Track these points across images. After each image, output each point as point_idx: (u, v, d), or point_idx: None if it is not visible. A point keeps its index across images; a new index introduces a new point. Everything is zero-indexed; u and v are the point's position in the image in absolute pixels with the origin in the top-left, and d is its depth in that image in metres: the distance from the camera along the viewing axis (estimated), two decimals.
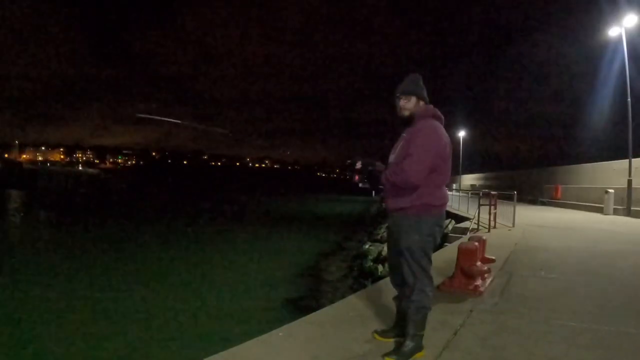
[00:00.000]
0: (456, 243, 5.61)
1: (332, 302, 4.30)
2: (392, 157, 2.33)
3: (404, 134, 2.31)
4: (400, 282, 2.33)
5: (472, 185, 34.81)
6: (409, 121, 2.32)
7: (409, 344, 2.19)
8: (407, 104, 2.32)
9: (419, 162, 2.10)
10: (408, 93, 2.32)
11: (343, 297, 4.18)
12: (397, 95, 2.35)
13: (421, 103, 2.32)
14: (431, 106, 2.33)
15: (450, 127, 36.45)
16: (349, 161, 2.47)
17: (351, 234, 19.86)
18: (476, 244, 3.80)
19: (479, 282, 3.62)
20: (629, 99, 12.26)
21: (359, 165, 2.40)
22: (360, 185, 2.42)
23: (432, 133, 2.18)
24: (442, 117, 2.32)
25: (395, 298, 2.46)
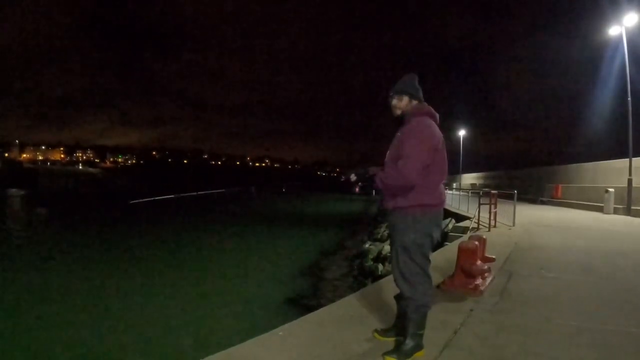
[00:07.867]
0: (456, 242, 5.61)
1: (332, 301, 4.29)
2: (387, 156, 2.33)
3: (398, 133, 2.32)
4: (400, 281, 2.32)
5: (472, 185, 34.80)
6: (402, 120, 2.33)
7: (409, 343, 2.19)
8: (400, 103, 2.35)
9: (414, 161, 2.10)
10: (400, 92, 2.34)
11: (343, 296, 4.18)
12: (391, 94, 2.37)
13: (414, 102, 2.33)
14: (425, 104, 2.33)
15: (451, 127, 36.51)
16: (343, 178, 2.51)
17: (351, 234, 19.87)
18: (476, 243, 3.80)
19: (479, 281, 3.61)
20: (629, 98, 12.24)
21: (353, 177, 2.42)
22: (358, 191, 2.47)
23: (424, 130, 2.18)
24: (437, 114, 2.32)
25: (397, 296, 2.45)
